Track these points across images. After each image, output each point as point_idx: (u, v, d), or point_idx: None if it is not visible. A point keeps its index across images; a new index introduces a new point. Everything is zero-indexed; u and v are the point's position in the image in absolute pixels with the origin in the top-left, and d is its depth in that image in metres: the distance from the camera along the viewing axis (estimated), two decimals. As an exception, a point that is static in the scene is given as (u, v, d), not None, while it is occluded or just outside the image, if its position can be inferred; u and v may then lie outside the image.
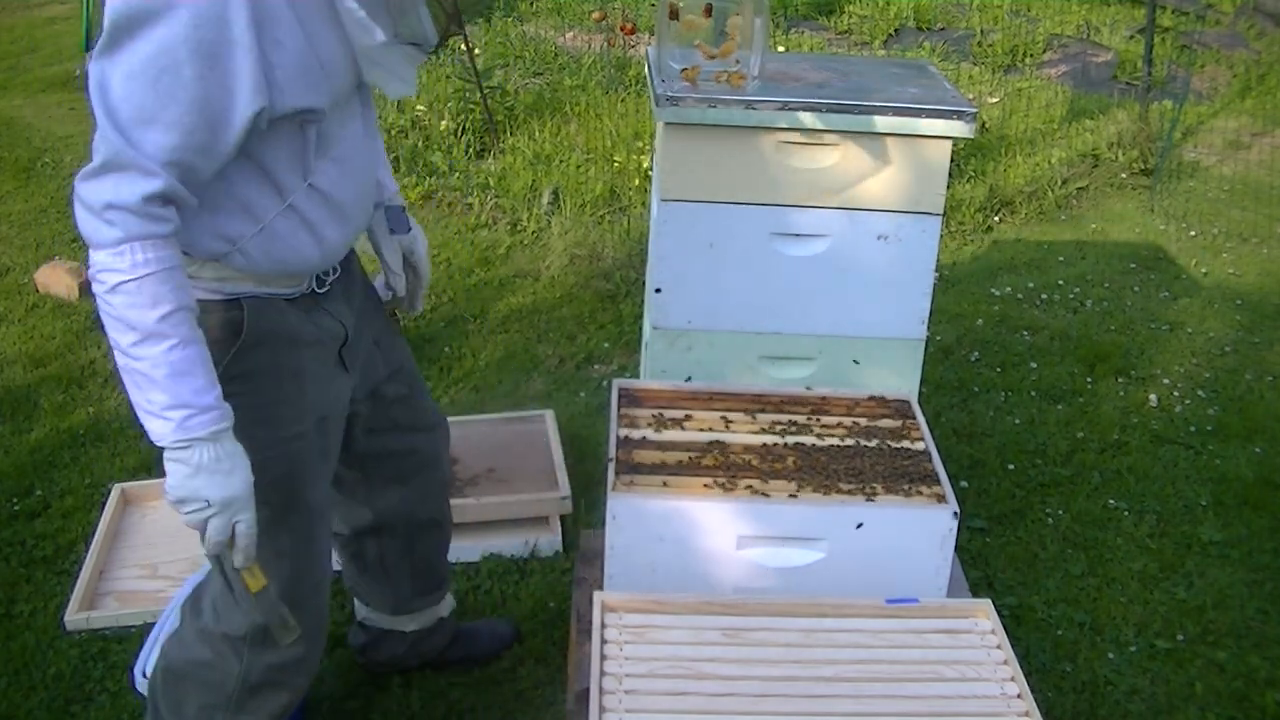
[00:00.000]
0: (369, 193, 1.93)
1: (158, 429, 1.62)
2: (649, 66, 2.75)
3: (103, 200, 1.55)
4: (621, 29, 6.48)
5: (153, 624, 2.49)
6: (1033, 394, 3.75)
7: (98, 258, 1.57)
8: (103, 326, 1.62)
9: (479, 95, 5.68)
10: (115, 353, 1.62)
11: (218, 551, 1.70)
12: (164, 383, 1.59)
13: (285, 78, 1.61)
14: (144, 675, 2.05)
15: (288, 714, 2.04)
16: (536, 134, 5.69)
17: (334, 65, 1.69)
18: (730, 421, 2.35)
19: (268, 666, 1.94)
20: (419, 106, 5.83)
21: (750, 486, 2.14)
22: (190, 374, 1.61)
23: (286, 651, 1.90)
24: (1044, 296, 4.44)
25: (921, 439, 2.33)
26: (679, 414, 2.37)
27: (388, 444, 2.19)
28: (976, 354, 4.00)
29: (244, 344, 1.78)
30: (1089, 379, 3.86)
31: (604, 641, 1.87)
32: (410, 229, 2.14)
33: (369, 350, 2.09)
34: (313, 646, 1.99)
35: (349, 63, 1.73)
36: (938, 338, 4.02)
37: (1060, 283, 4.56)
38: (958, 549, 2.46)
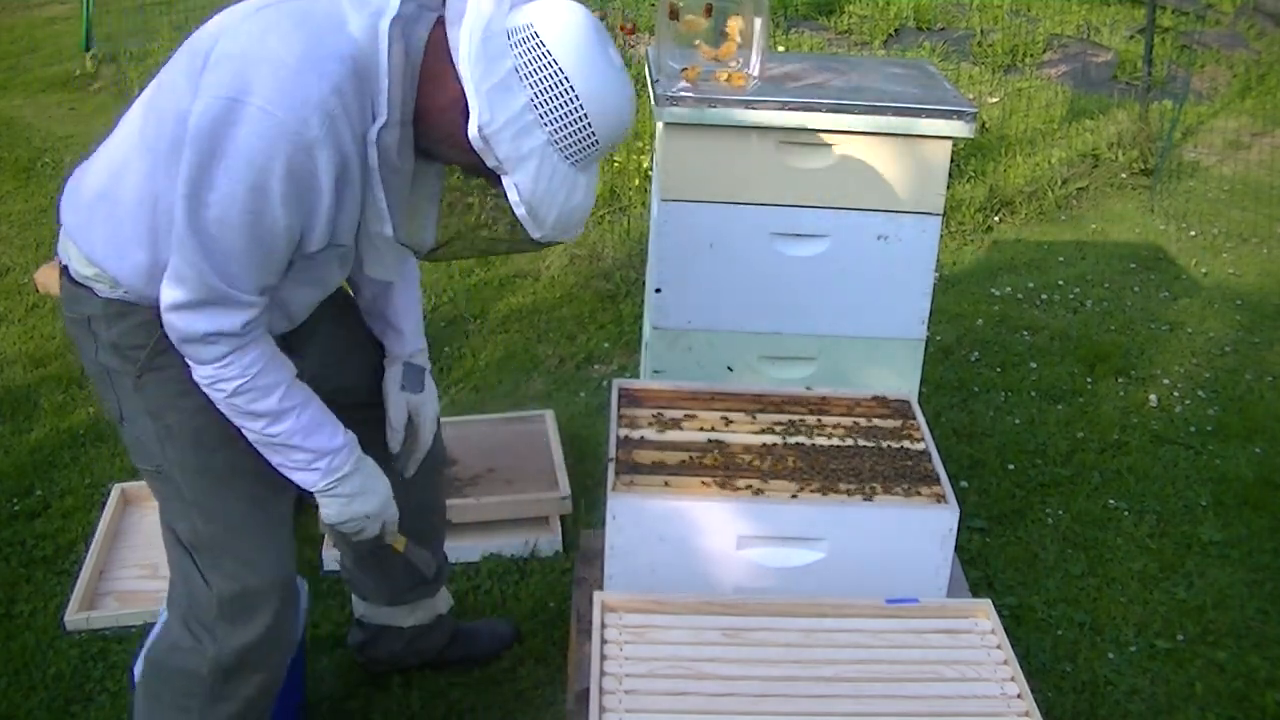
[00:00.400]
0: (315, 303, 1.94)
1: (308, 480, 1.84)
2: (649, 66, 2.75)
3: (201, 331, 1.68)
4: (621, 29, 6.47)
5: (153, 624, 2.49)
6: (1033, 394, 3.75)
7: (205, 371, 1.72)
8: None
9: (479, 95, 5.68)
10: (248, 431, 1.79)
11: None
12: (301, 445, 1.80)
13: (336, 228, 1.71)
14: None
15: (269, 698, 2.02)
16: (536, 134, 5.68)
17: (347, 229, 1.76)
18: (730, 421, 2.35)
19: (240, 647, 1.91)
20: (419, 106, 5.82)
21: (750, 486, 2.14)
22: (319, 427, 1.81)
23: (255, 628, 1.90)
24: (1044, 296, 4.44)
25: (921, 439, 2.33)
26: (679, 414, 2.37)
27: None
28: (976, 354, 4.00)
29: (149, 356, 1.83)
30: (1089, 379, 3.86)
31: (604, 641, 1.87)
32: (423, 389, 2.14)
33: (327, 346, 2.07)
34: (280, 618, 1.94)
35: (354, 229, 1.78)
36: (938, 338, 4.02)
37: (1060, 283, 4.56)
38: (958, 549, 2.46)
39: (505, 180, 1.62)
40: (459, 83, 1.58)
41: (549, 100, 1.57)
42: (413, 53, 1.61)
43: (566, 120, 1.59)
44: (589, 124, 1.60)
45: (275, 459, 1.82)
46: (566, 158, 1.62)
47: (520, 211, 1.63)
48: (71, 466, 3.28)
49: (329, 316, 2.03)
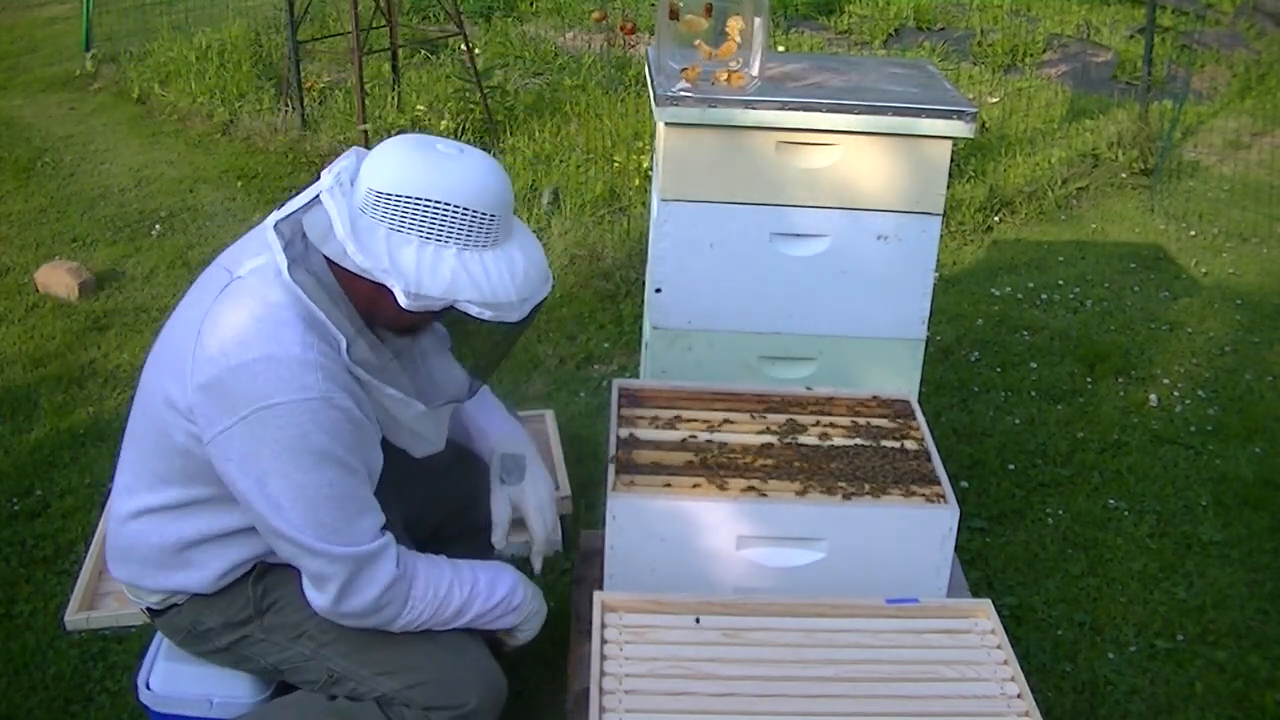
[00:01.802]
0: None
1: (505, 623, 1.99)
2: (649, 66, 2.75)
3: (371, 600, 1.80)
4: (621, 29, 6.48)
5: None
6: (1033, 394, 3.75)
7: (400, 624, 1.85)
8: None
9: (479, 95, 5.68)
10: (447, 628, 1.92)
11: None
12: (491, 605, 1.93)
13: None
14: (147, 687, 2.04)
15: None
16: (536, 134, 5.69)
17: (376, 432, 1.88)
18: (730, 421, 2.35)
19: None
20: (419, 106, 5.83)
21: (750, 486, 2.14)
22: (492, 583, 1.94)
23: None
24: (1044, 296, 4.44)
25: (921, 439, 2.33)
26: (679, 414, 2.37)
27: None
28: (976, 354, 4.00)
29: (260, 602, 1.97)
30: (1089, 379, 3.86)
31: (604, 641, 1.87)
32: (523, 478, 2.14)
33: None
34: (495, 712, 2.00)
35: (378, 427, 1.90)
36: (938, 338, 4.02)
37: (1060, 283, 4.56)
38: (958, 549, 2.46)
39: (458, 308, 1.73)
40: (366, 275, 1.70)
41: (427, 224, 1.70)
42: (324, 278, 1.76)
43: (452, 223, 1.71)
44: (469, 209, 1.71)
45: (475, 626, 1.94)
46: (481, 246, 1.74)
47: (487, 316, 1.74)
48: (71, 466, 3.28)
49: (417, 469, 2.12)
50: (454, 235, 1.71)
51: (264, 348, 1.71)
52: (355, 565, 1.77)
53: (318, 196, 1.75)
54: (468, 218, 1.71)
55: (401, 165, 1.71)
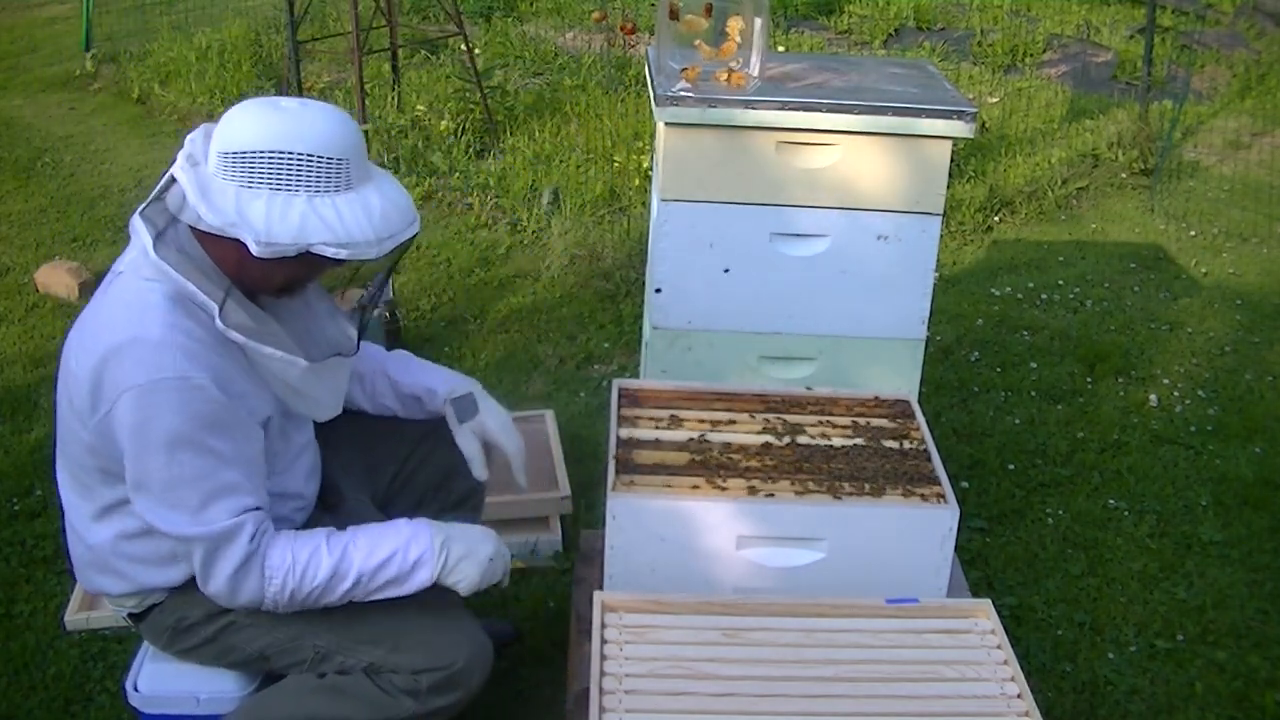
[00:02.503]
0: (319, 469, 2.12)
1: (424, 578, 1.89)
2: (649, 66, 2.75)
3: (225, 580, 1.80)
4: (621, 29, 6.48)
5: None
6: (1033, 394, 3.75)
7: (269, 600, 1.83)
8: None
9: (479, 95, 5.68)
10: (341, 604, 1.88)
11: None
12: (381, 573, 1.86)
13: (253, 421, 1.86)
14: (135, 689, 2.04)
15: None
16: (536, 134, 5.69)
17: (260, 411, 1.89)
18: (730, 421, 2.35)
19: (446, 705, 1.95)
20: (419, 106, 5.83)
21: (751, 486, 2.14)
22: (381, 538, 1.88)
23: (460, 691, 1.95)
24: (1044, 296, 4.44)
25: (921, 439, 2.33)
26: (679, 414, 2.37)
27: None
28: (976, 354, 4.00)
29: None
30: (1089, 379, 3.86)
31: (604, 641, 1.87)
32: (478, 411, 2.19)
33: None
34: (484, 674, 1.98)
35: (271, 399, 1.91)
36: (938, 338, 4.02)
37: (1060, 283, 4.56)
38: (958, 549, 2.46)
39: (314, 251, 1.75)
40: (222, 234, 1.74)
41: (274, 176, 1.73)
42: (191, 249, 1.80)
43: (297, 171, 1.74)
44: (313, 155, 1.74)
45: (387, 594, 1.88)
46: (332, 191, 1.77)
47: (343, 256, 1.76)
48: (71, 466, 3.28)
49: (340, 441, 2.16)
50: (302, 182, 1.74)
51: (127, 331, 1.75)
52: (207, 546, 1.79)
53: (171, 175, 1.79)
54: (313, 163, 1.74)
55: (244, 125, 1.76)
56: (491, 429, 2.19)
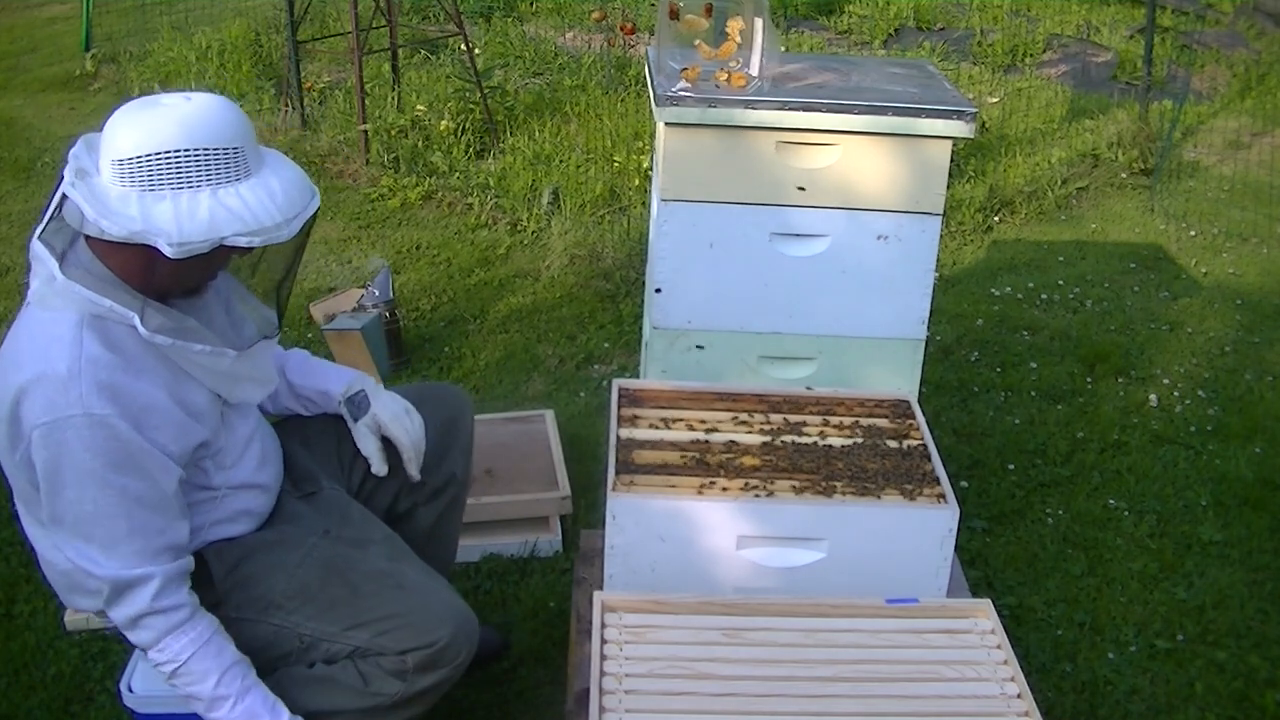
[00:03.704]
0: (276, 455, 2.12)
1: None
2: (649, 66, 2.75)
3: (127, 617, 1.81)
4: (621, 29, 6.49)
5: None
6: (1033, 394, 3.75)
7: (151, 656, 1.85)
8: None
9: (479, 95, 5.68)
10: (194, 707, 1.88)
11: None
12: None
13: (176, 448, 1.84)
14: (129, 690, 2.04)
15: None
16: (536, 134, 5.69)
17: (201, 407, 1.89)
18: (731, 421, 2.35)
19: (431, 684, 1.94)
20: (419, 106, 5.83)
21: (751, 486, 2.14)
22: (257, 716, 1.85)
23: (447, 669, 1.94)
24: (1044, 296, 4.44)
25: (921, 439, 2.33)
26: (679, 414, 2.37)
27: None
28: (976, 354, 4.00)
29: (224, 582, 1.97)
30: (1089, 379, 3.86)
31: (604, 641, 1.87)
32: (370, 406, 2.18)
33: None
34: (468, 650, 1.97)
35: (213, 396, 1.92)
36: (938, 338, 4.02)
37: (1060, 283, 4.56)
38: (958, 549, 2.46)
39: (228, 243, 1.74)
40: (130, 242, 1.71)
41: (173, 175, 1.71)
42: (92, 267, 1.78)
43: (196, 166, 1.72)
44: (208, 148, 1.72)
45: None
46: (233, 180, 1.75)
47: (257, 243, 1.76)
48: (71, 466, 3.28)
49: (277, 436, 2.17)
50: (203, 177, 1.72)
51: (34, 368, 1.74)
52: (113, 587, 1.80)
53: (65, 194, 1.77)
54: (210, 157, 1.72)
55: (134, 128, 1.72)
56: (385, 421, 2.18)
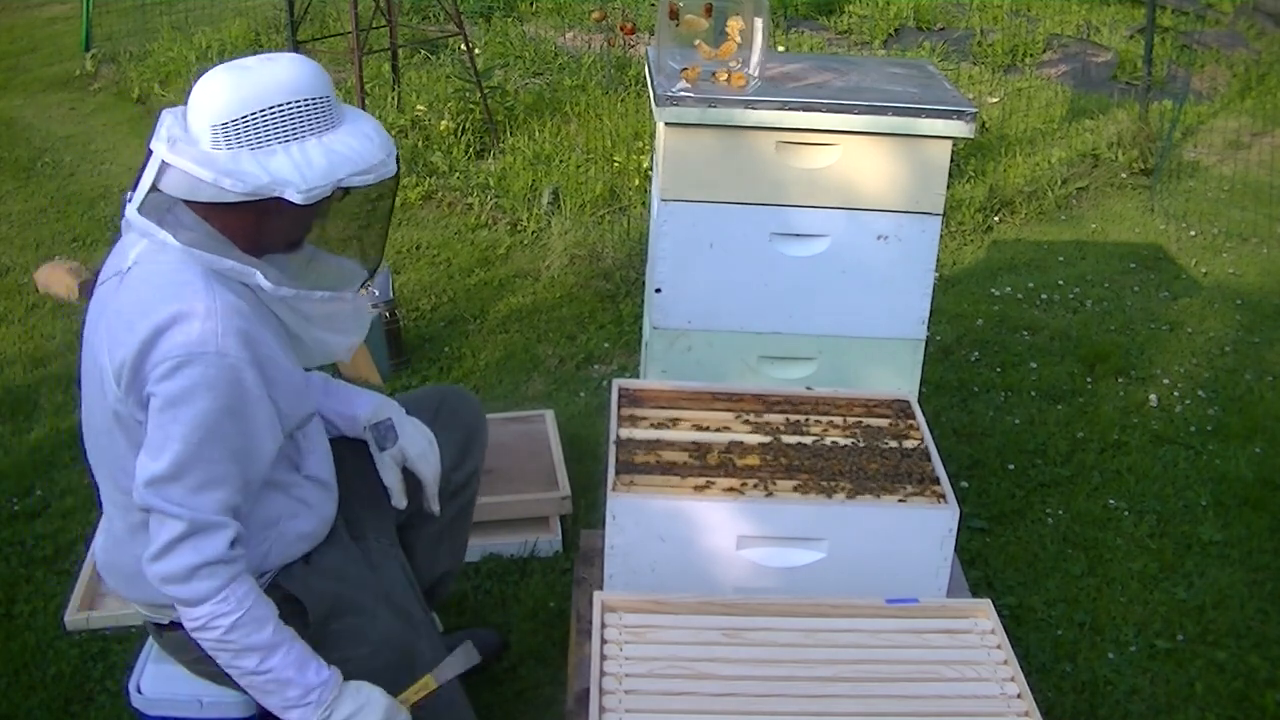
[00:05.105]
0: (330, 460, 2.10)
1: (302, 716, 1.84)
2: (649, 66, 2.75)
3: (188, 566, 1.76)
4: (621, 29, 6.48)
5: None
6: (1033, 394, 3.75)
7: (200, 610, 1.78)
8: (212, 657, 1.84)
9: (479, 95, 5.68)
10: (240, 676, 1.83)
11: None
12: (294, 679, 1.83)
13: (289, 410, 1.87)
14: (139, 691, 2.04)
15: None
16: (536, 134, 5.69)
17: (301, 380, 1.92)
18: (731, 421, 2.35)
19: None
20: (419, 106, 5.83)
21: (751, 486, 2.14)
22: (306, 662, 1.84)
23: None
24: (1044, 296, 4.44)
25: (921, 439, 2.33)
26: (679, 414, 2.37)
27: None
28: (976, 354, 4.00)
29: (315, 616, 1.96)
30: (1089, 379, 3.86)
31: (604, 641, 1.87)
32: (398, 438, 2.17)
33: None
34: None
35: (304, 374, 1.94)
36: (938, 338, 4.02)
37: (1060, 283, 4.56)
38: (958, 549, 2.46)
39: (344, 184, 1.79)
40: (252, 199, 1.74)
41: (280, 128, 1.76)
42: (199, 230, 1.79)
43: (301, 117, 1.76)
44: (307, 99, 1.77)
45: (267, 701, 1.85)
46: (331, 128, 1.80)
47: (371, 180, 1.82)
48: (71, 466, 3.28)
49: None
50: (306, 127, 1.77)
51: (167, 310, 1.73)
52: (186, 529, 1.76)
53: (161, 164, 1.77)
54: (309, 107, 1.77)
55: (227, 92, 1.75)
56: (411, 457, 2.18)
